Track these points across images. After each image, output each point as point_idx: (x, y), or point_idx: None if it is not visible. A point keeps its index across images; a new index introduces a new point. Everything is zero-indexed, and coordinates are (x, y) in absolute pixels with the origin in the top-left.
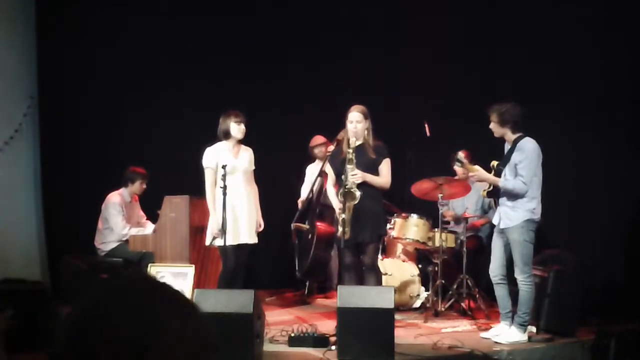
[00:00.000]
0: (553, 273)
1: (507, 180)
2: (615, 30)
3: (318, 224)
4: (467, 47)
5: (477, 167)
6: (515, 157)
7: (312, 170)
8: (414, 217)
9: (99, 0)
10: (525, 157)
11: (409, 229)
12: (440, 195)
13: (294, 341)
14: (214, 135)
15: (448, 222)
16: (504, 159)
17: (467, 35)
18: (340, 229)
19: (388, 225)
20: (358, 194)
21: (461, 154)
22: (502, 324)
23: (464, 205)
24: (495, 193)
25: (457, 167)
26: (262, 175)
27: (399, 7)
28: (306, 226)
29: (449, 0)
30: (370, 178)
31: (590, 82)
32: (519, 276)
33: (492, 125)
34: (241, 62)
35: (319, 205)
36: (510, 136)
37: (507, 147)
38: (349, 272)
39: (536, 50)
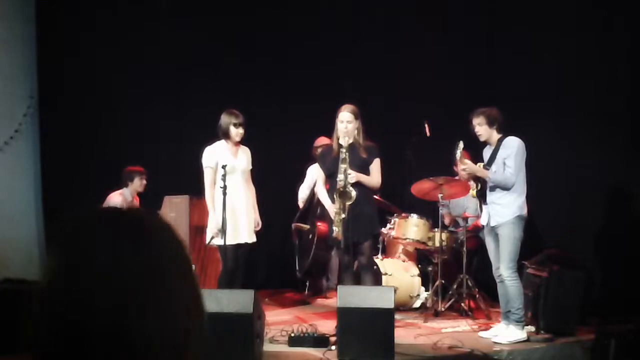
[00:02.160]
0: (553, 273)
1: (495, 172)
2: (614, 30)
3: (318, 224)
4: (467, 47)
5: (466, 160)
6: (501, 153)
7: (313, 171)
8: (414, 217)
9: (99, 0)
10: (512, 151)
11: (409, 229)
12: (440, 195)
13: (294, 341)
14: (213, 135)
15: (449, 223)
16: (490, 159)
17: (467, 35)
18: (335, 229)
19: (388, 225)
20: (354, 193)
21: (461, 144)
22: (501, 324)
23: (464, 205)
24: (483, 193)
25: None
26: (262, 175)
27: (399, 7)
28: (306, 226)
29: (449, 0)
30: (363, 178)
31: (590, 82)
32: (504, 272)
33: (479, 129)
34: (241, 61)
35: (319, 206)
36: (494, 137)
37: (487, 150)
38: (348, 272)
39: (536, 50)
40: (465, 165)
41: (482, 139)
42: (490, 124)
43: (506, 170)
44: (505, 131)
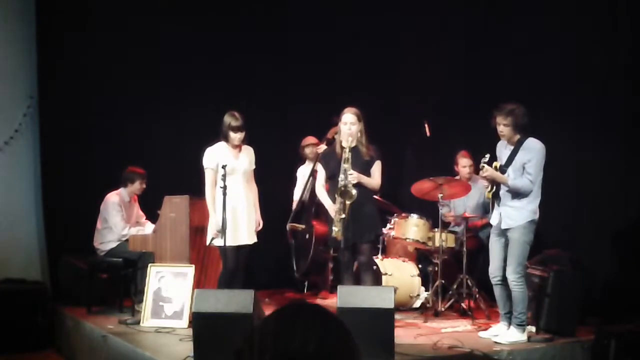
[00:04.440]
0: (553, 273)
1: (515, 179)
2: (615, 30)
3: (315, 223)
4: (467, 47)
5: (488, 167)
6: (522, 156)
7: (303, 172)
8: (414, 217)
9: (99, 0)
10: (534, 157)
11: (409, 229)
12: (440, 195)
13: None
14: (214, 135)
15: (449, 223)
16: (508, 160)
17: (467, 35)
18: (335, 229)
19: (388, 225)
20: (355, 192)
21: (487, 156)
22: (501, 324)
23: (465, 205)
24: (498, 194)
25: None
26: (260, 175)
27: (399, 7)
28: (301, 226)
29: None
30: (364, 179)
31: (590, 82)
32: (511, 276)
33: (503, 128)
34: (241, 61)
35: (313, 205)
36: (515, 138)
37: (502, 148)
38: (347, 272)
39: (536, 50)
40: (487, 173)
41: (503, 138)
42: (516, 126)
43: (526, 177)
44: (526, 131)
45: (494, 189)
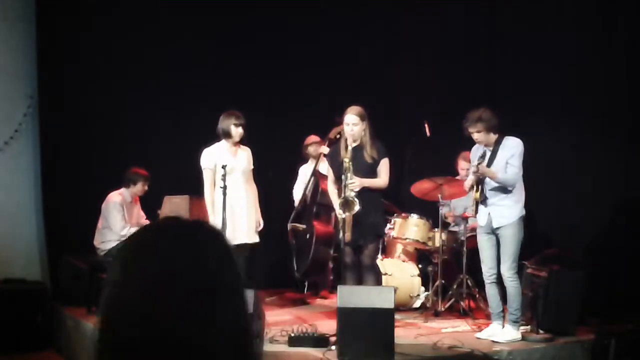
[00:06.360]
0: (553, 273)
1: (504, 173)
2: (613, 30)
3: (315, 223)
4: (467, 47)
5: (480, 165)
6: (503, 154)
7: (305, 171)
8: (414, 217)
9: (99, 0)
10: (515, 151)
11: (409, 229)
12: (440, 195)
13: (294, 341)
14: (214, 136)
15: (449, 223)
16: (489, 161)
17: (467, 35)
18: (340, 230)
19: (388, 225)
20: (357, 206)
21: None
22: (494, 324)
23: (465, 205)
24: (484, 194)
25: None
26: (259, 176)
27: (399, 7)
28: (302, 226)
29: (449, 0)
30: (368, 182)
31: (590, 82)
32: (507, 272)
33: (478, 136)
34: (241, 62)
35: (314, 205)
36: (492, 139)
37: (478, 150)
38: (350, 271)
39: (536, 51)
40: (481, 168)
41: (482, 145)
42: (488, 130)
43: (511, 169)
44: (501, 131)
45: (479, 189)
